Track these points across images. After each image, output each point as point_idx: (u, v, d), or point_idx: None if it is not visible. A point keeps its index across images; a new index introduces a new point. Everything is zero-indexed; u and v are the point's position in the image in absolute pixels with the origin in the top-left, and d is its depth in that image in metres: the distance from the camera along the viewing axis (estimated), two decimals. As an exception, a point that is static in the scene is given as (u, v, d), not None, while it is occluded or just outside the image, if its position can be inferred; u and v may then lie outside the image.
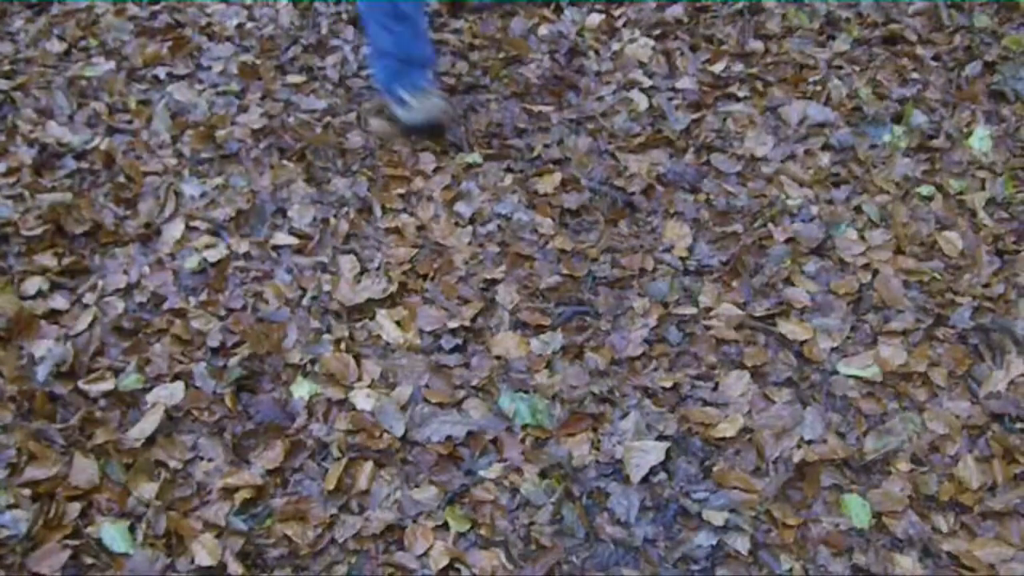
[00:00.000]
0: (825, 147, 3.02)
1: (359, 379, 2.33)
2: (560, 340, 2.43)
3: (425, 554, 2.01)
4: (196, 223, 2.69)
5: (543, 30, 3.46)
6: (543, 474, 2.16)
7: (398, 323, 2.46)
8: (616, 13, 3.55)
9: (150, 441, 2.18)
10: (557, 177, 2.85)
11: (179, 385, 2.28)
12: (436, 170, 2.88)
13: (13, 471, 2.10)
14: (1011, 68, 3.32)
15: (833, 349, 2.44)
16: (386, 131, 3.01)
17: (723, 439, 2.23)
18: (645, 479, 2.15)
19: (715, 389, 2.35)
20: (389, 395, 2.29)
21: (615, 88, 3.22)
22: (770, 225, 2.73)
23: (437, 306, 2.50)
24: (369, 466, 2.16)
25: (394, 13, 2.81)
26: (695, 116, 3.10)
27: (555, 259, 2.63)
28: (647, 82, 3.23)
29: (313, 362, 2.36)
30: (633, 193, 2.82)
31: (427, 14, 3.08)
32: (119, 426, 2.21)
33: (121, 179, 2.80)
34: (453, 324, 2.45)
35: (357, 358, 2.37)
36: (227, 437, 2.20)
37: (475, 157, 2.92)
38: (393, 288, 2.52)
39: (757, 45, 3.41)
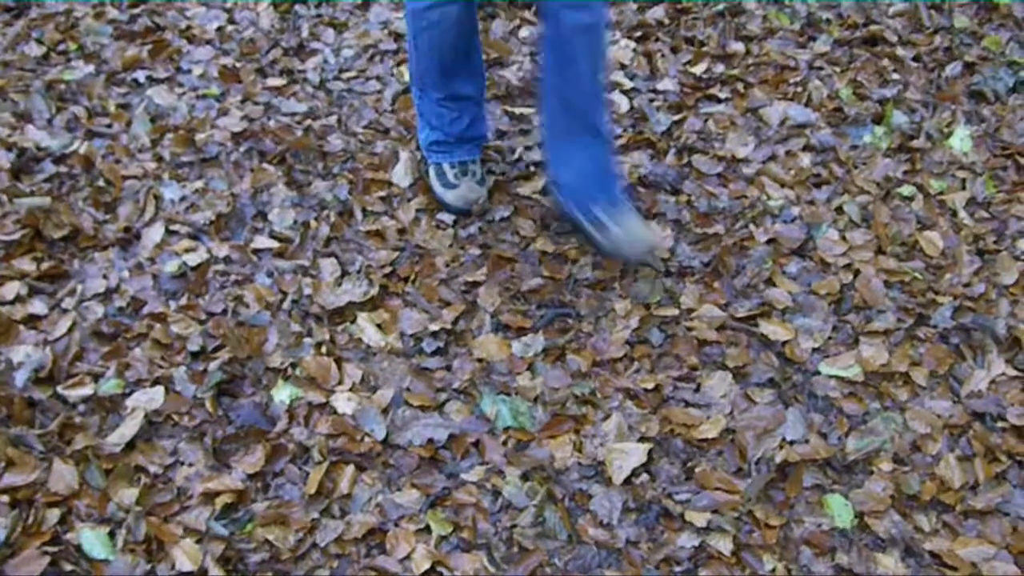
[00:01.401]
0: (806, 148, 3.02)
1: (340, 382, 2.32)
2: (542, 342, 2.42)
3: (407, 558, 2.00)
4: (176, 227, 2.68)
5: (524, 32, 3.46)
6: (525, 476, 2.15)
7: (379, 326, 2.45)
8: (597, 15, 3.54)
9: (130, 446, 2.16)
10: (539, 179, 2.85)
11: (159, 390, 2.27)
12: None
13: (-9, 477, 2.09)
14: (991, 68, 3.33)
15: (815, 349, 2.44)
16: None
17: (705, 440, 2.23)
18: (627, 480, 2.15)
19: (697, 390, 2.35)
20: (370, 398, 2.29)
21: (596, 90, 3.21)
22: (751, 226, 2.74)
23: (418, 309, 2.49)
24: (350, 470, 2.15)
25: (453, 95, 2.68)
26: (676, 117, 3.11)
27: (536, 261, 2.63)
28: (628, 84, 3.24)
29: (294, 366, 2.35)
30: (614, 195, 2.82)
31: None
32: (99, 431, 2.20)
33: (100, 183, 2.79)
34: (434, 327, 2.44)
35: (338, 361, 2.36)
36: (207, 442, 2.18)
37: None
38: (374, 291, 2.51)
39: (738, 46, 3.42)
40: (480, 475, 2.15)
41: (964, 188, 2.90)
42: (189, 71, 3.27)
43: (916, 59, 3.41)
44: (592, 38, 2.40)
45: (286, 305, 2.49)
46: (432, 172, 2.80)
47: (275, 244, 2.64)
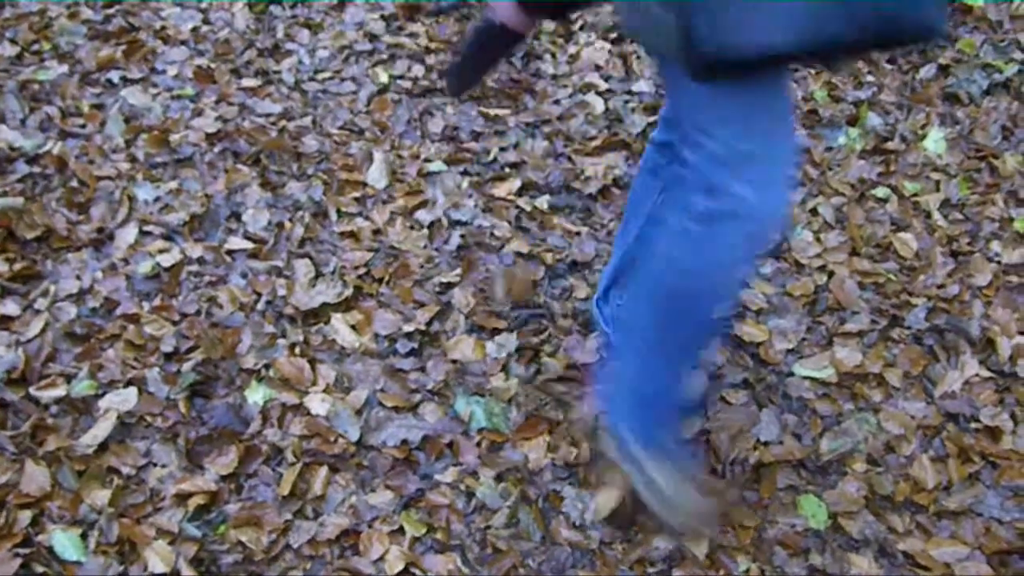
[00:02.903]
0: (781, 149, 3.03)
1: (314, 383, 2.31)
2: (516, 343, 2.42)
3: (380, 559, 2.00)
4: (149, 228, 2.66)
5: (500, 33, 3.46)
6: (499, 478, 2.15)
7: (353, 327, 2.44)
8: (573, 16, 3.55)
9: (102, 448, 2.15)
10: (514, 180, 2.85)
11: (132, 391, 2.25)
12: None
13: (-38, 479, 2.07)
14: (965, 71, 3.35)
15: (789, 351, 2.44)
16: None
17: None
18: (602, 482, 2.15)
19: (672, 391, 2.35)
20: (344, 399, 2.28)
21: (572, 91, 3.22)
22: (726, 227, 2.74)
23: (392, 310, 2.49)
24: (324, 471, 2.14)
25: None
26: (651, 119, 3.11)
27: (511, 262, 2.62)
28: (604, 85, 3.24)
29: (267, 367, 2.34)
30: (590, 196, 2.82)
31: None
32: (71, 433, 2.18)
33: (74, 183, 2.77)
34: (409, 328, 2.44)
35: (312, 363, 2.35)
36: (181, 443, 2.17)
37: (438, 165, 2.91)
38: (348, 292, 2.50)
39: (713, 48, 3.42)
40: (454, 476, 2.15)
41: (938, 190, 2.91)
42: (163, 71, 3.25)
43: (890, 61, 3.42)
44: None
45: (260, 306, 2.48)
46: (632, 469, 1.97)
47: (249, 245, 2.63)
